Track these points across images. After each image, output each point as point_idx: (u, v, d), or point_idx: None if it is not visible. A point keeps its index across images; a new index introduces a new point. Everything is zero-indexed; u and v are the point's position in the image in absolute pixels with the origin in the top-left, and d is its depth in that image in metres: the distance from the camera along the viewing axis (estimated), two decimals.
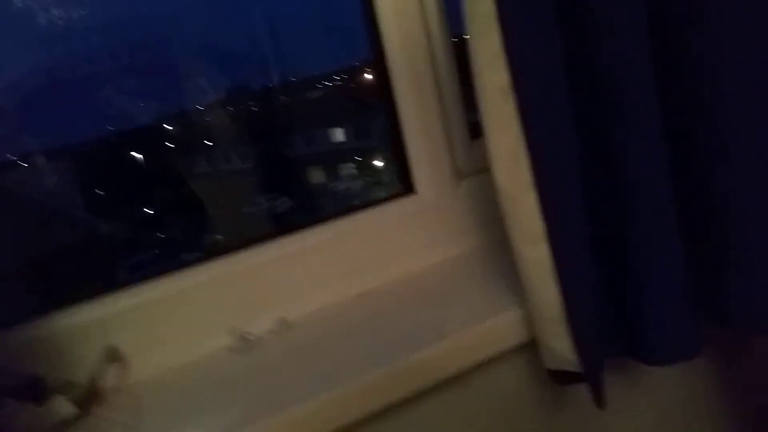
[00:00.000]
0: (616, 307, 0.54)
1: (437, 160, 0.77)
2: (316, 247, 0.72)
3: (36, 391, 0.57)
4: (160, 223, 0.97)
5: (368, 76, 0.98)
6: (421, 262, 0.77)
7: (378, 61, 0.75)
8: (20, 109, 0.78)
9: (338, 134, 1.04)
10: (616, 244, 0.52)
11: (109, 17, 0.80)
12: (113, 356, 0.61)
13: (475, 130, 0.81)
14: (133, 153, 0.90)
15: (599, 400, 0.54)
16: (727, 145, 0.50)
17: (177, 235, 0.96)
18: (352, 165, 1.08)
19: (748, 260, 0.52)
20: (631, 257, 0.51)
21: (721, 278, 0.54)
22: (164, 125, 0.89)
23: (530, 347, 0.61)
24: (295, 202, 1.02)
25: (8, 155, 0.80)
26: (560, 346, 0.53)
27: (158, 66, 0.87)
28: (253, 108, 0.94)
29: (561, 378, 0.55)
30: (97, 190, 0.88)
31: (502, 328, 0.59)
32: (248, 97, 0.93)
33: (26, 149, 0.81)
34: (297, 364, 0.59)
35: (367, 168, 1.11)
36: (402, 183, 0.80)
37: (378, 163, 1.10)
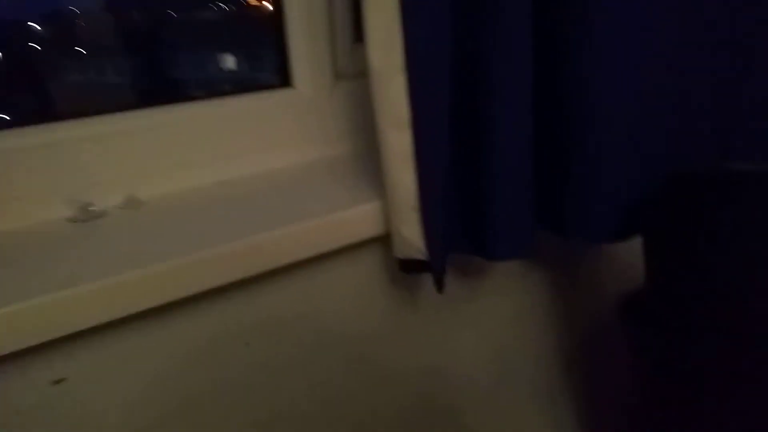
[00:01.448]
0: (465, 202, 0.57)
1: (318, 56, 0.75)
2: (180, 126, 0.68)
3: None
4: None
5: (266, 4, 0.93)
6: (290, 158, 0.75)
7: None
8: None
9: (228, 61, 0.97)
10: (472, 139, 0.54)
11: None
12: None
13: (359, 34, 0.79)
14: None
15: (440, 285, 0.57)
16: (582, 66, 0.53)
17: None
18: None
19: (582, 173, 0.57)
20: (484, 154, 0.54)
21: (560, 188, 0.59)
22: (32, 23, 0.78)
23: (384, 241, 0.64)
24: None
25: None
26: (411, 234, 0.55)
27: None
28: (136, 19, 0.85)
29: (409, 266, 0.58)
30: None
31: (358, 218, 0.60)
32: (132, 5, 0.83)
33: None
34: (138, 237, 0.56)
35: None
36: (279, 75, 0.77)
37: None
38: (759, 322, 0.49)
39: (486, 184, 0.54)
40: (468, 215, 0.57)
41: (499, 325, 0.80)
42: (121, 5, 0.81)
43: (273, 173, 0.73)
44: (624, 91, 0.54)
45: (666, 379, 0.62)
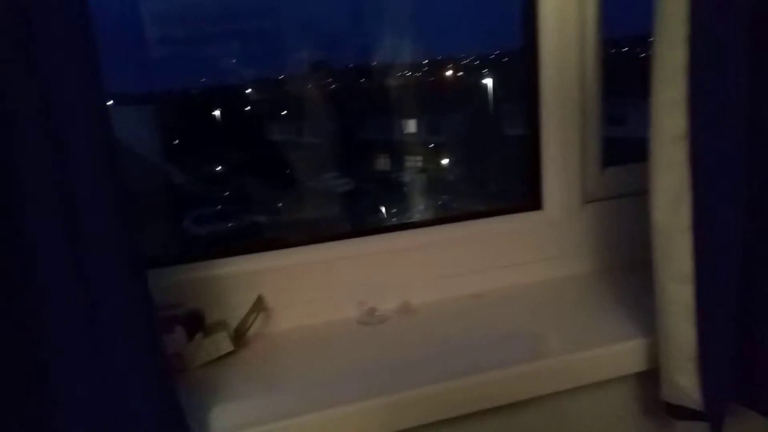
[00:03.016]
0: (747, 355, 0.56)
1: (569, 181, 0.80)
2: (443, 243, 0.77)
3: (198, 324, 0.65)
4: (227, 182, 1.01)
5: (449, 72, 0.98)
6: (538, 275, 0.81)
7: (529, 79, 0.79)
8: (120, 51, 0.80)
9: (411, 125, 1.05)
10: (760, 293, 0.54)
11: None
12: (260, 305, 0.69)
13: (606, 157, 0.84)
14: (216, 110, 0.93)
15: None
16: None
17: (241, 195, 1.02)
18: (419, 158, 1.10)
19: None
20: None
21: None
22: (249, 89, 0.92)
23: (640, 378, 0.65)
24: (358, 186, 1.05)
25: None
26: (686, 383, 0.55)
27: (259, 32, 0.89)
28: (334, 85, 0.95)
29: (678, 412, 0.58)
30: (176, 140, 0.91)
31: (618, 355, 0.62)
32: (332, 73, 0.94)
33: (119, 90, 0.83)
34: (414, 348, 0.65)
35: (433, 163, 1.11)
36: (529, 198, 0.83)
37: (444, 161, 1.12)
38: None
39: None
40: (750, 369, 0.56)
41: None
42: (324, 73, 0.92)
43: (523, 289, 0.79)
44: None
45: None
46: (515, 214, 0.82)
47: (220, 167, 1.01)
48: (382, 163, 1.10)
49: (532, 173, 0.83)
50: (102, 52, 0.42)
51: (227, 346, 0.62)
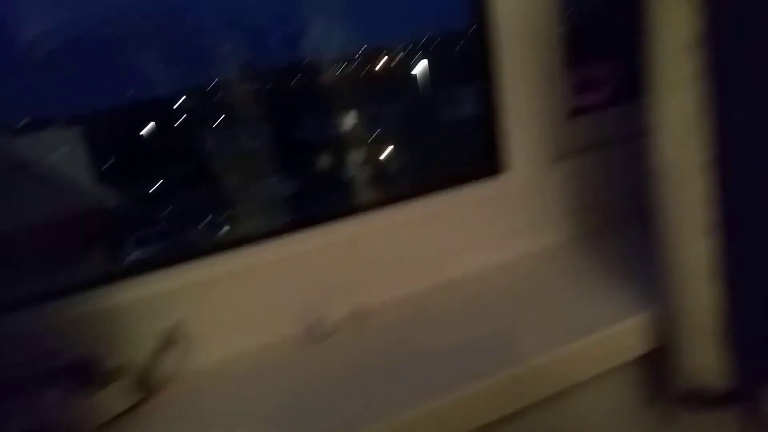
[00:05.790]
0: None
1: (534, 137, 0.68)
2: (392, 229, 0.64)
3: (88, 374, 0.50)
4: (167, 199, 0.94)
5: (386, 60, 0.93)
6: (508, 252, 0.68)
7: (481, 22, 0.66)
8: (36, 71, 0.72)
9: (350, 119, 0.99)
10: None
11: None
12: (173, 338, 0.54)
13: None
14: (146, 125, 0.86)
15: (754, 425, 0.46)
16: None
17: (184, 212, 0.95)
18: (361, 152, 1.04)
19: None
20: None
21: None
22: (179, 99, 0.85)
23: (638, 362, 0.53)
24: (303, 186, 0.99)
25: (22, 118, 0.75)
26: (710, 361, 0.44)
27: (179, 37, 0.82)
28: (267, 87, 0.89)
29: (697, 400, 0.46)
30: (107, 161, 0.83)
31: (620, 337, 0.50)
32: (263, 75, 0.88)
33: (39, 113, 0.75)
34: (371, 364, 0.52)
35: (375, 157, 1.05)
36: (489, 161, 0.71)
37: (387, 153, 1.07)
38: None
39: None
40: None
41: None
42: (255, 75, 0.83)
43: (492, 272, 0.66)
44: None
45: None
46: (473, 184, 0.69)
47: (157, 184, 0.91)
48: (326, 160, 1.03)
49: (490, 133, 0.70)
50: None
51: (127, 399, 0.47)
